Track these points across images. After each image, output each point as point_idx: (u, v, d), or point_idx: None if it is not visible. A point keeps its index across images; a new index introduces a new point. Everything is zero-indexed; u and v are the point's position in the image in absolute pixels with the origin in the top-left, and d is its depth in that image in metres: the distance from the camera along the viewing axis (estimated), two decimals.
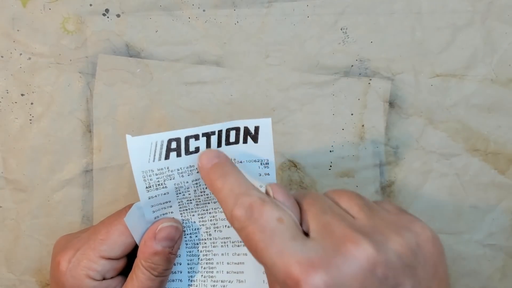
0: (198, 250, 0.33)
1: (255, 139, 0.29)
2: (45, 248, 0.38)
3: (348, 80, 0.37)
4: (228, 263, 0.33)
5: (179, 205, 0.31)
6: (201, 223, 0.32)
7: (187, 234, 0.33)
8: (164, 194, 0.30)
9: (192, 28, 0.37)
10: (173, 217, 0.32)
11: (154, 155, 0.29)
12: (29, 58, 0.37)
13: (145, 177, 0.29)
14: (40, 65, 0.37)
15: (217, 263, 0.33)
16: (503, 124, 0.37)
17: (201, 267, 0.33)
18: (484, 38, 0.36)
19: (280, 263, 0.22)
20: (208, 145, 0.29)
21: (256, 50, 0.37)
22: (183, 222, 0.32)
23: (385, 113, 0.37)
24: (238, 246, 0.33)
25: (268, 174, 0.30)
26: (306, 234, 0.24)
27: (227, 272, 0.33)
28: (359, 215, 0.25)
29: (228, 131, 0.29)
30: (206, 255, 0.33)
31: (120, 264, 0.31)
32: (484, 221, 0.38)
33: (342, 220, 0.24)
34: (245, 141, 0.30)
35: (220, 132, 0.29)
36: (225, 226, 0.32)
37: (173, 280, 0.33)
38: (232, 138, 0.29)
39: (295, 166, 0.37)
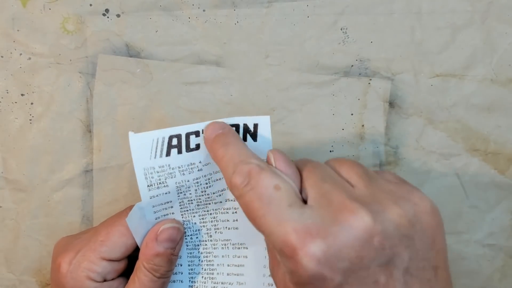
0: (198, 252, 0.33)
1: (254, 137, 0.30)
2: (45, 248, 0.38)
3: (348, 80, 0.37)
4: (228, 265, 0.33)
5: (180, 205, 0.31)
6: (202, 224, 0.32)
7: (188, 236, 0.33)
8: (165, 193, 0.30)
9: (192, 28, 0.37)
10: (174, 218, 0.32)
11: (156, 152, 0.29)
12: (29, 58, 0.37)
13: (146, 174, 0.29)
14: (40, 65, 0.37)
15: (218, 264, 0.33)
16: (503, 124, 0.37)
17: (202, 268, 0.33)
18: (484, 38, 0.37)
19: (277, 231, 0.22)
20: None
21: (256, 50, 0.37)
22: (184, 223, 0.32)
23: (385, 113, 0.37)
24: (239, 248, 0.33)
25: None
26: (305, 202, 0.24)
27: (228, 274, 0.33)
28: (358, 184, 0.25)
29: None
30: (206, 256, 0.33)
31: (121, 265, 0.31)
32: (484, 221, 0.38)
33: (341, 188, 0.24)
34: (244, 139, 0.30)
35: None
36: (226, 227, 0.32)
37: (174, 281, 0.33)
38: None
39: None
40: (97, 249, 0.30)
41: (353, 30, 0.36)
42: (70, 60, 0.37)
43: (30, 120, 0.37)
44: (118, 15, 0.36)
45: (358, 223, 0.22)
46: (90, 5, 0.36)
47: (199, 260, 0.33)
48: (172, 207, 0.31)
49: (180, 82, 0.37)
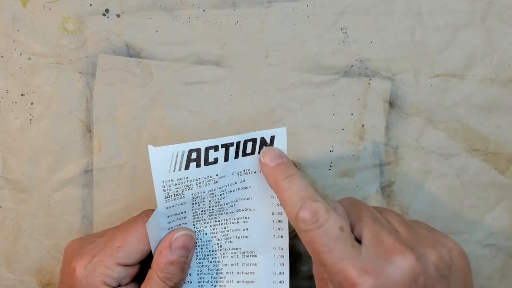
0: (208, 261, 0.33)
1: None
2: (45, 248, 0.38)
3: (348, 80, 0.37)
4: (238, 273, 0.33)
5: (193, 215, 0.32)
6: (213, 235, 0.33)
7: (198, 246, 0.33)
8: (181, 204, 0.31)
9: (192, 28, 0.37)
10: (186, 227, 0.32)
11: (175, 165, 0.29)
12: (29, 58, 0.37)
13: (164, 187, 0.30)
14: (40, 65, 0.37)
15: (227, 273, 0.33)
16: (503, 124, 0.37)
17: (211, 277, 0.33)
18: (483, 38, 0.37)
19: (340, 267, 0.26)
20: (227, 156, 0.30)
21: (256, 50, 0.37)
22: (195, 233, 0.33)
23: (385, 113, 0.37)
24: (248, 256, 0.33)
25: None
26: (358, 239, 0.28)
27: (238, 282, 0.33)
28: (400, 229, 0.28)
29: (245, 142, 0.30)
30: (216, 265, 0.33)
31: (135, 270, 0.32)
32: (484, 221, 0.38)
33: (390, 232, 0.27)
34: (260, 152, 0.31)
35: (238, 143, 0.30)
36: (236, 237, 0.33)
37: None
38: (249, 149, 0.31)
39: (295, 166, 0.37)
40: (113, 255, 0.30)
41: (353, 30, 0.36)
42: (70, 60, 0.37)
43: (30, 120, 0.37)
44: (118, 15, 0.36)
45: (406, 264, 0.25)
46: (90, 5, 0.36)
47: (209, 269, 0.33)
48: (185, 217, 0.32)
49: (180, 82, 0.37)
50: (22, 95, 0.37)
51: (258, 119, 0.37)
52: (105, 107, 0.37)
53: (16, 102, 0.37)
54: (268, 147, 0.31)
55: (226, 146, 0.30)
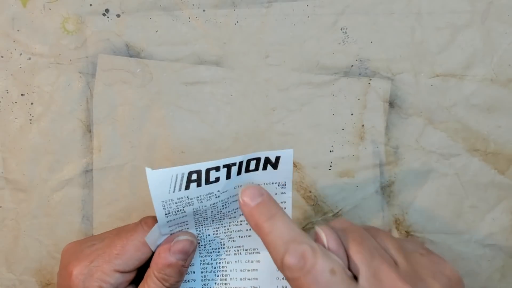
0: (211, 259, 0.33)
1: (275, 166, 0.30)
2: (45, 248, 0.38)
3: (348, 80, 0.37)
4: (241, 270, 0.33)
5: (195, 222, 0.32)
6: (216, 235, 0.33)
7: (202, 245, 0.33)
8: (182, 216, 0.31)
9: (192, 28, 0.37)
10: (188, 231, 0.32)
11: (175, 187, 0.29)
12: (29, 58, 0.37)
13: (164, 206, 0.29)
14: (40, 65, 0.37)
15: (231, 270, 0.33)
16: (503, 124, 0.37)
17: (215, 274, 0.33)
18: (483, 38, 0.37)
19: None
20: (229, 175, 0.29)
21: (256, 50, 0.37)
22: (198, 235, 0.32)
23: (385, 113, 0.37)
24: (251, 253, 0.33)
25: (284, 192, 0.31)
26: (355, 276, 0.26)
27: (241, 279, 0.33)
28: (398, 258, 0.27)
29: (248, 161, 0.29)
30: (219, 263, 0.33)
31: (132, 275, 0.32)
32: (484, 221, 0.38)
33: (389, 266, 0.26)
34: (264, 168, 0.30)
35: (241, 163, 0.29)
36: (239, 236, 0.33)
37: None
38: (252, 166, 0.30)
39: (295, 166, 0.37)
40: (111, 262, 0.30)
41: (353, 30, 0.36)
42: (70, 60, 0.37)
43: (30, 120, 0.37)
44: (118, 15, 0.36)
45: None
46: (90, 5, 0.36)
47: (212, 266, 0.33)
48: (187, 224, 0.32)
49: (180, 82, 0.37)
50: (22, 95, 0.37)
51: (258, 119, 0.37)
52: (105, 107, 0.37)
53: (16, 102, 0.37)
54: (247, 185, 0.29)
55: (228, 166, 0.29)
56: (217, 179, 0.29)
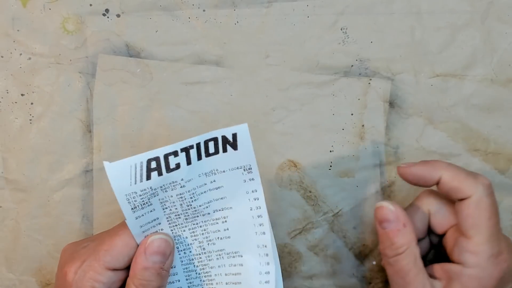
0: (194, 266, 0.33)
1: (234, 146, 0.29)
2: (45, 248, 0.38)
3: (348, 80, 0.37)
4: (226, 274, 0.33)
5: (168, 221, 0.31)
6: (193, 237, 0.32)
7: (181, 251, 0.32)
8: (151, 211, 0.30)
9: (192, 28, 0.37)
10: (163, 232, 0.32)
11: (135, 178, 0.28)
12: (29, 58, 0.37)
13: (129, 199, 0.29)
14: (40, 65, 0.37)
15: (215, 275, 0.33)
16: (503, 124, 0.37)
17: (200, 280, 0.33)
18: (483, 38, 0.37)
19: None
20: (188, 159, 0.29)
21: (256, 50, 0.37)
22: (175, 239, 0.32)
23: (385, 113, 0.37)
24: (234, 257, 0.32)
25: (253, 179, 0.30)
26: None
27: (227, 283, 0.33)
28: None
29: (206, 142, 0.29)
30: (203, 269, 0.33)
31: (125, 274, 0.31)
32: None
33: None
34: (224, 150, 0.29)
35: (198, 145, 0.29)
36: (218, 238, 0.32)
37: None
38: (212, 149, 0.29)
39: (295, 166, 0.37)
40: (101, 259, 0.30)
41: (353, 30, 0.36)
42: (70, 60, 0.37)
43: (30, 120, 0.37)
44: (118, 15, 0.36)
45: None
46: (90, 5, 0.36)
47: (196, 273, 0.33)
48: (160, 223, 0.31)
49: (180, 82, 0.37)
50: (22, 95, 0.37)
51: (258, 119, 0.37)
52: (105, 107, 0.37)
53: (16, 102, 0.37)
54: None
55: (186, 150, 0.28)
56: (178, 166, 0.28)
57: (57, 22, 0.36)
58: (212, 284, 0.33)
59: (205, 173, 0.30)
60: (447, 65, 0.37)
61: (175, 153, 0.28)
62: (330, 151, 0.37)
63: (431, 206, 0.32)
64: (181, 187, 0.29)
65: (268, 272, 0.32)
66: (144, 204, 0.29)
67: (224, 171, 0.30)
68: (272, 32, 0.37)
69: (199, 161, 0.29)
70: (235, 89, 0.37)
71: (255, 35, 0.37)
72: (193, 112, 0.37)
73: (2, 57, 0.36)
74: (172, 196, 0.30)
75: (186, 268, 0.33)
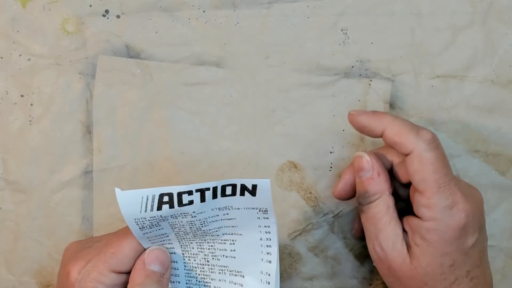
0: (196, 273, 0.33)
1: (253, 194, 0.28)
2: (45, 249, 0.38)
3: (348, 81, 0.37)
4: None
5: (176, 236, 0.31)
6: (199, 249, 0.32)
7: (186, 257, 0.32)
8: (159, 229, 0.30)
9: (192, 29, 0.36)
10: (163, 246, 0.32)
11: (146, 207, 0.28)
12: (29, 59, 0.36)
13: (138, 222, 0.29)
14: (40, 66, 0.37)
15: (215, 287, 0.33)
16: (504, 125, 0.37)
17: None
18: (484, 39, 0.36)
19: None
20: (203, 198, 0.28)
21: (256, 51, 0.37)
22: (181, 247, 0.32)
23: None
24: (236, 275, 0.32)
25: (267, 218, 0.30)
26: None
27: None
28: None
29: (224, 187, 0.28)
30: (204, 278, 0.33)
31: (128, 279, 0.31)
32: None
33: None
34: (242, 194, 0.28)
35: (215, 188, 0.28)
36: (223, 256, 0.32)
37: None
38: (229, 192, 0.28)
39: (296, 167, 0.37)
40: (107, 261, 0.30)
41: (353, 31, 0.36)
42: (70, 61, 0.37)
43: (30, 121, 0.37)
44: (118, 16, 0.36)
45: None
46: (90, 6, 0.36)
47: (197, 280, 0.33)
48: (168, 237, 0.31)
49: (180, 83, 0.37)
50: (22, 96, 0.37)
51: (258, 120, 0.37)
52: (105, 108, 0.37)
53: (16, 103, 0.37)
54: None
55: (201, 191, 0.28)
56: (191, 202, 0.28)
57: (57, 23, 0.36)
58: None
59: (219, 208, 0.30)
60: (448, 66, 0.37)
61: (189, 192, 0.28)
62: (331, 152, 0.37)
63: (394, 157, 0.32)
64: (192, 217, 0.29)
65: None
66: (153, 226, 0.29)
67: (238, 208, 0.30)
68: (272, 33, 0.37)
69: (214, 200, 0.29)
70: (235, 90, 0.37)
71: (255, 36, 0.37)
72: (193, 113, 0.37)
73: (1, 58, 0.36)
74: (182, 222, 0.30)
75: (188, 274, 0.33)
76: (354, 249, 0.38)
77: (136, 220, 0.29)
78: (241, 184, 0.28)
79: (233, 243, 0.32)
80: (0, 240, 0.38)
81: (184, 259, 0.33)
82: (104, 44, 0.36)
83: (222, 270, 0.32)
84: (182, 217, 0.29)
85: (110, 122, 0.37)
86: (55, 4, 0.36)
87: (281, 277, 0.38)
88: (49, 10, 0.36)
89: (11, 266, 0.38)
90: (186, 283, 0.33)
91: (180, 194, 0.28)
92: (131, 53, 0.37)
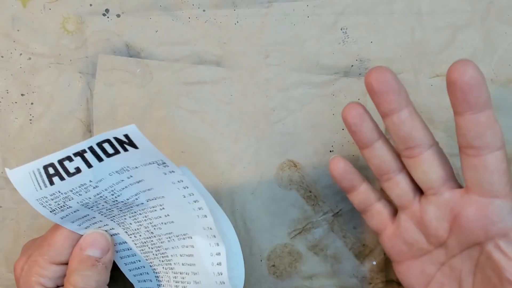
0: (149, 247, 0.32)
1: (133, 145, 0.27)
2: None
3: (348, 80, 0.37)
4: (181, 255, 0.32)
5: (104, 215, 0.30)
6: (138, 223, 0.31)
7: (131, 234, 0.32)
8: (74, 211, 0.29)
9: (192, 28, 0.37)
10: (101, 230, 0.31)
11: (38, 184, 0.27)
12: (29, 58, 0.37)
13: (42, 203, 0.28)
14: (40, 65, 0.37)
15: (172, 255, 0.32)
16: (503, 125, 0.37)
17: (159, 260, 0.33)
18: (483, 38, 0.37)
19: None
20: (87, 162, 0.27)
21: (256, 50, 0.37)
22: (120, 226, 0.31)
23: None
24: (184, 238, 0.32)
25: (173, 171, 0.29)
26: None
27: (183, 264, 0.32)
28: None
29: (100, 145, 0.27)
30: (158, 250, 0.32)
31: None
32: None
33: None
34: (125, 150, 0.27)
35: (91, 148, 0.27)
36: (162, 223, 0.31)
37: (140, 274, 0.33)
38: (110, 150, 0.27)
39: (295, 166, 0.37)
40: (45, 254, 0.30)
41: (353, 30, 0.36)
42: (70, 60, 0.37)
43: (30, 120, 0.37)
44: (118, 15, 0.36)
45: None
46: (90, 5, 0.36)
47: (153, 254, 0.32)
48: (94, 217, 0.30)
49: (180, 82, 0.37)
50: (22, 95, 0.37)
51: (258, 119, 0.37)
52: (105, 107, 0.37)
53: (16, 102, 0.37)
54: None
55: (79, 154, 0.26)
56: (78, 170, 0.27)
57: (57, 22, 0.36)
58: (170, 264, 0.33)
59: (116, 171, 0.28)
60: (448, 65, 0.37)
61: (69, 158, 0.27)
62: (330, 151, 0.37)
63: None
64: (94, 188, 0.28)
65: (219, 254, 0.31)
66: (62, 207, 0.28)
67: (136, 167, 0.28)
68: (272, 32, 0.37)
69: (101, 163, 0.27)
70: (235, 89, 0.37)
71: (255, 35, 0.37)
72: (193, 112, 0.37)
73: (2, 57, 0.36)
74: (90, 198, 0.29)
75: (142, 250, 0.33)
76: (354, 247, 0.38)
77: (39, 201, 0.27)
78: (115, 138, 0.26)
79: (163, 208, 0.31)
80: (0, 239, 0.38)
81: (130, 237, 0.32)
82: (104, 43, 0.36)
83: (170, 237, 0.32)
84: (85, 192, 0.28)
85: (110, 121, 0.37)
86: (56, 4, 0.36)
87: (281, 275, 0.38)
88: (50, 9, 0.36)
89: (11, 265, 0.38)
90: (146, 260, 0.33)
91: (61, 162, 0.26)
92: (131, 52, 0.37)
